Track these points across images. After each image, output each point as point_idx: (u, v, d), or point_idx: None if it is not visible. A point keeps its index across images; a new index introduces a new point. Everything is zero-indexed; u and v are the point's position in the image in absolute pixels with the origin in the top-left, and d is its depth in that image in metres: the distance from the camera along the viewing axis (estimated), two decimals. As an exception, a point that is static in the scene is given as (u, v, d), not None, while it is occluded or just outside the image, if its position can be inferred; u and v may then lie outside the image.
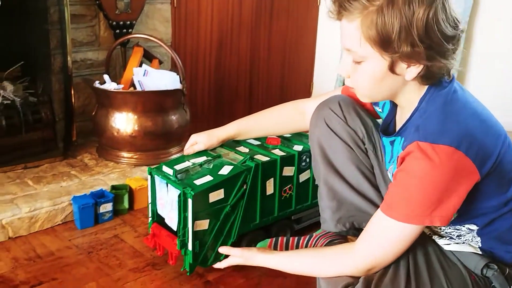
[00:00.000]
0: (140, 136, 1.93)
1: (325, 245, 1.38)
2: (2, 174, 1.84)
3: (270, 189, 1.50)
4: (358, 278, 1.07)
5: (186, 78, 2.39)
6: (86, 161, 2.01)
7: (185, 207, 1.31)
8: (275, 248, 1.45)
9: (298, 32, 3.03)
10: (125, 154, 1.97)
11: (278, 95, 3.06)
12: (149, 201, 1.47)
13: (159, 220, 1.45)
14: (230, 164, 1.42)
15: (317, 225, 1.60)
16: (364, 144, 1.26)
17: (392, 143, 1.13)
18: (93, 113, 2.02)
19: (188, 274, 1.37)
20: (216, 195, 1.35)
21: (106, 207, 1.70)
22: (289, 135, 1.69)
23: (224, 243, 1.40)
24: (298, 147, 1.58)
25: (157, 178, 1.43)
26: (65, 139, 2.06)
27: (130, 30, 2.18)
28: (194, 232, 1.32)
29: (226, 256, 1.33)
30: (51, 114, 1.98)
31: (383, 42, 0.96)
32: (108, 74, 2.03)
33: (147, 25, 2.31)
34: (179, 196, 1.31)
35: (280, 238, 1.47)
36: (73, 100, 2.05)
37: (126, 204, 1.77)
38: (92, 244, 1.58)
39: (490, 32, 2.68)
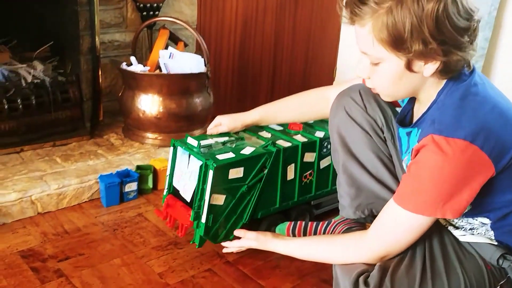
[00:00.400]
0: (164, 117, 1.97)
1: (342, 232, 1.40)
2: (32, 151, 1.91)
3: (290, 175, 1.52)
4: (374, 265, 1.09)
5: (211, 61, 2.42)
6: (112, 140, 2.06)
7: (204, 179, 1.33)
8: (293, 232, 1.49)
9: (323, 17, 3.01)
10: (149, 135, 2.02)
11: (300, 80, 3.06)
12: (167, 173, 1.49)
13: (175, 193, 1.47)
14: (252, 146, 1.45)
15: (336, 211, 1.62)
16: (383, 133, 1.27)
17: (408, 134, 1.14)
18: (120, 94, 2.06)
19: (197, 247, 1.39)
20: (235, 173, 1.37)
21: (131, 186, 1.75)
22: (312, 122, 1.71)
23: (235, 224, 1.42)
24: (320, 133, 1.60)
25: (180, 150, 1.45)
26: (92, 118, 2.11)
27: (156, 13, 2.20)
28: (209, 205, 1.34)
29: (236, 238, 1.37)
30: (79, 94, 2.03)
31: (396, 43, 0.96)
32: (134, 56, 2.06)
33: (173, 7, 2.33)
34: (201, 167, 1.34)
35: (298, 223, 1.50)
36: (100, 81, 2.09)
37: (150, 184, 1.82)
38: (117, 221, 1.63)
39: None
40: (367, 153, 1.26)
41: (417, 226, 1.04)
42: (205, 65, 2.03)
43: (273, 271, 1.41)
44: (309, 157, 1.55)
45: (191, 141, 1.44)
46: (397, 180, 1.26)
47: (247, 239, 1.34)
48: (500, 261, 1.09)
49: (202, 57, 2.04)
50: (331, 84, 3.21)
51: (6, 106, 1.85)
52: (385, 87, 1.07)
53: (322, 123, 1.69)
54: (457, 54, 0.97)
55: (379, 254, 1.09)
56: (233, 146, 1.44)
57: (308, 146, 1.53)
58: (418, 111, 1.11)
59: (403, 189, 1.04)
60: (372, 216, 1.39)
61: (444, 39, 0.95)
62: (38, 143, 1.94)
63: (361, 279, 1.06)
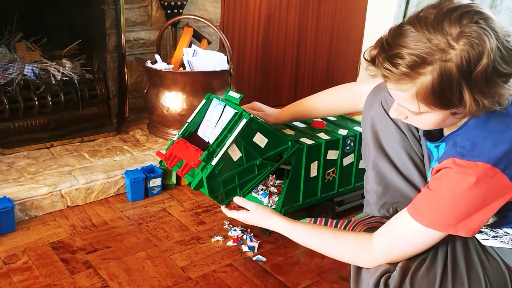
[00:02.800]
0: (188, 114, 1.99)
1: (362, 232, 1.42)
2: (61, 147, 1.98)
3: (314, 172, 1.55)
4: (395, 265, 1.09)
5: (234, 58, 2.45)
6: (138, 136, 2.12)
7: (232, 127, 1.32)
8: (314, 227, 1.50)
9: (346, 12, 3.00)
10: (174, 131, 2.06)
11: (324, 76, 3.07)
12: (188, 120, 1.47)
13: (188, 139, 1.44)
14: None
15: (358, 208, 1.65)
16: (418, 131, 1.24)
17: (437, 147, 1.12)
18: (145, 91, 2.11)
19: (193, 188, 1.34)
20: (260, 139, 1.37)
21: (155, 182, 1.80)
22: (335, 119, 1.72)
23: (232, 191, 1.37)
24: (343, 131, 1.61)
25: (215, 101, 1.45)
26: (118, 115, 2.17)
27: (181, 11, 2.24)
28: (225, 153, 1.31)
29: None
30: (105, 91, 2.09)
31: (444, 105, 0.93)
32: (159, 54, 2.11)
33: (197, 5, 2.36)
34: (235, 114, 1.33)
35: (318, 219, 1.52)
36: (126, 78, 2.14)
37: (174, 180, 1.87)
38: (142, 216, 1.69)
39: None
40: (399, 150, 1.25)
41: (426, 240, 1.03)
42: (228, 63, 2.06)
43: (293, 267, 1.45)
44: (332, 154, 1.57)
45: (232, 94, 1.43)
46: (426, 181, 1.24)
47: (244, 213, 1.28)
48: None
49: (225, 54, 2.07)
50: (355, 80, 3.20)
51: (36, 103, 1.92)
52: (427, 128, 1.05)
53: (345, 121, 1.71)
54: (505, 93, 0.93)
55: (383, 260, 1.09)
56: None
57: (331, 144, 1.55)
58: (450, 129, 1.07)
59: (419, 202, 1.03)
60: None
61: (494, 92, 0.91)
62: (67, 138, 2.01)
63: (382, 280, 1.07)
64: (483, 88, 0.89)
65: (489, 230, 1.11)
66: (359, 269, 1.15)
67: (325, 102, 1.49)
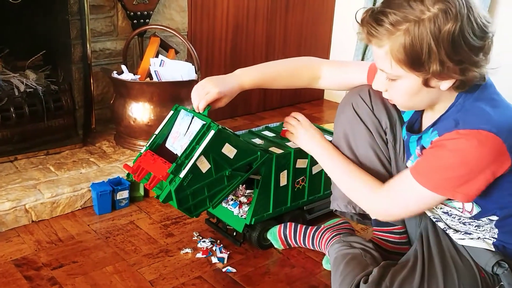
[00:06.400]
0: (156, 125, 1.97)
1: (331, 238, 1.44)
2: (25, 160, 1.93)
3: (283, 181, 1.55)
4: (373, 268, 1.18)
5: (202, 67, 2.44)
6: (104, 148, 2.09)
7: (200, 139, 1.32)
8: (284, 234, 1.52)
9: (314, 21, 3.04)
10: (141, 142, 2.04)
11: (292, 83, 3.08)
12: (156, 132, 1.45)
13: (155, 151, 1.42)
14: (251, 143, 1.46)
15: (328, 216, 1.66)
16: (386, 135, 1.30)
17: (419, 140, 1.17)
18: (111, 102, 2.09)
19: (161, 201, 1.33)
20: (229, 150, 1.36)
21: (123, 194, 1.77)
22: None
23: (199, 204, 1.37)
24: None
25: (183, 112, 1.44)
26: (84, 126, 2.14)
27: (147, 20, 2.23)
28: (194, 165, 1.31)
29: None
30: (71, 102, 2.06)
31: (413, 64, 1.00)
32: (125, 64, 2.09)
33: (164, 14, 2.35)
34: (203, 125, 1.33)
35: (288, 224, 1.53)
36: (92, 89, 2.12)
37: (141, 192, 1.84)
38: (110, 229, 1.66)
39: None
40: (368, 151, 1.30)
41: (425, 201, 1.09)
42: (196, 73, 2.06)
43: (263, 277, 1.44)
44: (301, 163, 1.58)
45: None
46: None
47: (293, 119, 1.41)
48: (495, 268, 1.13)
49: (193, 64, 2.07)
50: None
51: (-1, 116, 1.87)
52: (403, 101, 1.11)
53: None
54: (474, 71, 1.00)
55: (382, 211, 1.19)
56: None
57: (300, 153, 1.56)
58: (432, 117, 1.14)
59: (421, 164, 1.09)
60: (361, 215, 1.42)
61: (461, 59, 0.98)
62: (31, 151, 1.96)
63: (362, 280, 1.15)
64: (449, 51, 0.97)
65: (472, 220, 1.16)
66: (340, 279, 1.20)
67: (286, 79, 1.45)
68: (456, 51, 0.97)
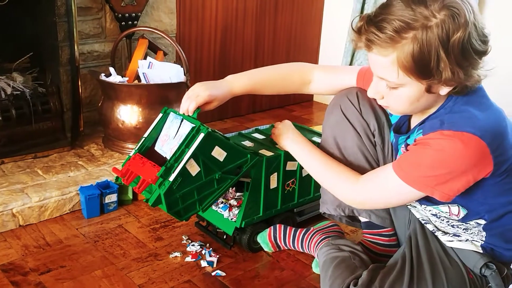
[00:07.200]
0: (144, 128, 1.97)
1: (320, 241, 1.44)
2: (13, 164, 1.91)
3: (273, 183, 1.55)
4: (362, 271, 1.18)
5: (190, 69, 2.44)
6: (93, 151, 2.07)
7: (190, 142, 1.31)
8: (274, 236, 1.52)
9: (303, 23, 3.04)
10: (130, 145, 2.03)
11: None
12: (145, 135, 1.44)
13: (145, 155, 1.42)
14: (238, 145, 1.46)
15: (318, 218, 1.67)
16: (374, 137, 1.31)
17: (407, 140, 1.17)
18: (99, 104, 2.08)
19: (150, 205, 1.32)
20: (219, 153, 1.36)
21: (111, 198, 1.76)
22: None
23: (189, 207, 1.37)
24: None
25: (172, 115, 1.43)
26: (72, 129, 2.12)
27: (135, 22, 2.22)
28: (183, 168, 1.30)
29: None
30: (59, 105, 2.04)
31: (421, 72, 0.98)
32: (113, 66, 2.08)
33: (152, 16, 2.34)
34: (192, 128, 1.32)
35: (278, 226, 1.53)
36: (80, 91, 2.10)
37: (130, 195, 1.83)
38: (98, 233, 1.65)
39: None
40: (357, 153, 1.30)
41: (403, 195, 1.10)
42: (185, 74, 2.05)
43: (252, 281, 1.44)
44: (291, 165, 1.58)
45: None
46: None
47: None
48: (483, 270, 1.14)
49: (182, 66, 2.06)
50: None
51: (-15, 119, 1.85)
52: (403, 108, 1.10)
53: (304, 131, 1.72)
54: (476, 75, 1.01)
55: (360, 201, 1.20)
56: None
57: (291, 155, 1.56)
58: (420, 118, 1.14)
59: (403, 159, 1.09)
60: (350, 218, 1.43)
61: (468, 65, 0.98)
62: (19, 155, 1.94)
63: (352, 283, 1.16)
64: (459, 58, 0.96)
65: (460, 223, 1.17)
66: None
67: (277, 84, 1.46)
68: (465, 58, 0.97)
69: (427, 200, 1.17)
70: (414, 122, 1.18)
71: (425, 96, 1.04)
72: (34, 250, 1.53)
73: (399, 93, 1.05)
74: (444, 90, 1.03)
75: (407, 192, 1.08)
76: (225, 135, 1.43)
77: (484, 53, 1.00)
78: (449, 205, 1.14)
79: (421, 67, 0.98)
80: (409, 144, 1.13)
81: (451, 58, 0.96)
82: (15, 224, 1.65)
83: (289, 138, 1.43)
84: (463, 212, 1.12)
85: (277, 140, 1.48)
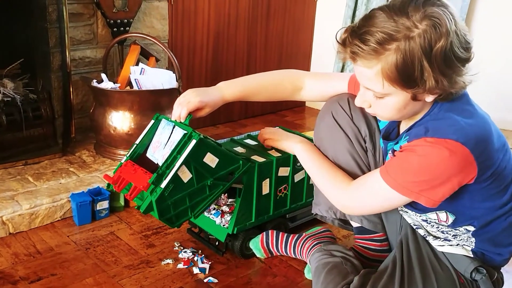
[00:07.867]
0: (136, 134, 1.97)
1: (312, 247, 1.44)
2: (3, 170, 1.90)
3: (266, 189, 1.55)
4: (353, 276, 1.19)
5: (183, 76, 2.43)
6: (84, 158, 2.06)
7: (182, 149, 1.31)
8: (266, 242, 1.52)
9: (294, 29, 3.05)
10: (121, 151, 2.02)
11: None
12: (136, 142, 1.44)
13: (136, 162, 1.42)
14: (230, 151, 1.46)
15: (310, 224, 1.67)
16: (365, 143, 1.32)
17: (395, 146, 1.18)
18: (91, 111, 2.07)
19: (142, 212, 1.32)
20: (211, 159, 1.36)
21: (103, 205, 1.75)
22: None
23: (181, 214, 1.36)
24: None
25: (164, 122, 1.43)
26: (64, 135, 2.11)
27: (127, 28, 2.21)
28: (175, 175, 1.30)
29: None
30: (50, 111, 2.03)
31: (406, 82, 1.00)
32: (105, 72, 2.07)
33: (144, 22, 2.34)
34: (184, 135, 1.32)
35: (270, 231, 1.53)
36: (71, 98, 2.09)
37: (122, 202, 1.82)
38: (90, 240, 1.64)
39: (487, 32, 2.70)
40: (347, 157, 1.31)
41: (389, 200, 1.12)
42: (177, 81, 2.05)
43: (245, 287, 1.43)
44: (284, 171, 1.58)
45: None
46: None
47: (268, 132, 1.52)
48: (473, 274, 1.15)
49: (174, 72, 2.06)
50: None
51: (-24, 126, 1.84)
52: (390, 116, 1.12)
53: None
54: (460, 81, 1.02)
55: (348, 205, 1.22)
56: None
57: (283, 161, 1.56)
58: (408, 124, 1.15)
59: (390, 165, 1.11)
60: (342, 221, 1.43)
61: (452, 73, 0.99)
62: (9, 161, 1.93)
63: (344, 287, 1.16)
64: (442, 66, 0.97)
65: (450, 229, 1.17)
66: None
67: (269, 91, 1.46)
68: (448, 66, 0.98)
69: (415, 208, 1.18)
70: (403, 128, 1.19)
71: (411, 103, 1.06)
72: (25, 258, 1.52)
73: (385, 102, 1.07)
74: (429, 98, 1.05)
75: (394, 197, 1.10)
76: (217, 141, 1.44)
77: (467, 60, 1.01)
78: (436, 212, 1.15)
79: (405, 77, 0.99)
80: (396, 150, 1.14)
81: (434, 67, 0.97)
82: (5, 232, 1.64)
83: (288, 136, 1.45)
84: (451, 218, 1.13)
85: (275, 143, 1.50)
